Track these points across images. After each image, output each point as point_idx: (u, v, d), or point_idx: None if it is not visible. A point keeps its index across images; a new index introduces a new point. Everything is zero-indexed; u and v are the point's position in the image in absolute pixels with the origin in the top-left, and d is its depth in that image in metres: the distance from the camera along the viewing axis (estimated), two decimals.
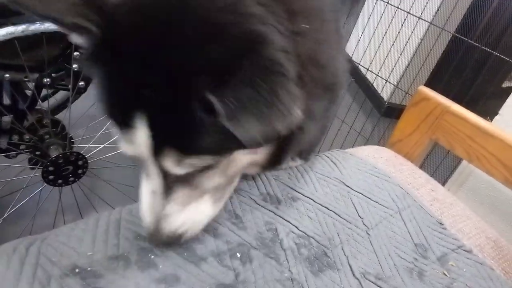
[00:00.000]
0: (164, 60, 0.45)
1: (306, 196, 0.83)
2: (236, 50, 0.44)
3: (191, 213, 0.60)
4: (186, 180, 0.57)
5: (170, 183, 0.57)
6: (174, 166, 0.52)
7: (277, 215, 0.77)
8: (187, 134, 0.48)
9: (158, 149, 0.50)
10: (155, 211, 0.58)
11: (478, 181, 1.39)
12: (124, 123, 0.49)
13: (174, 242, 0.61)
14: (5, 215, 1.25)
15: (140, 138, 0.49)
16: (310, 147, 0.93)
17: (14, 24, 0.95)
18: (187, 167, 0.53)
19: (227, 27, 0.46)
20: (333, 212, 0.82)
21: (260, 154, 0.67)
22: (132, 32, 0.46)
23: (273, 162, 0.72)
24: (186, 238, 0.62)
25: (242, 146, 0.51)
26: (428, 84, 2.26)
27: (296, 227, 0.76)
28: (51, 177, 1.21)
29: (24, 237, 0.62)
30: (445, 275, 0.76)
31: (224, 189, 0.67)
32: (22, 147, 1.24)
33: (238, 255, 0.67)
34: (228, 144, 0.51)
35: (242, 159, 0.62)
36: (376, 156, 1.06)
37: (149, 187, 0.58)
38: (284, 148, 0.69)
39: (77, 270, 0.57)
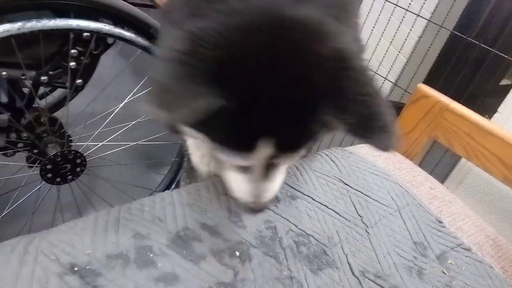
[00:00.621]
0: (292, 94, 0.52)
1: (305, 195, 0.83)
2: (336, 72, 0.52)
3: (276, 184, 0.69)
4: (277, 167, 0.67)
5: (266, 171, 0.65)
6: (287, 161, 0.65)
7: (276, 214, 0.77)
8: (302, 140, 0.58)
9: (274, 155, 0.58)
10: (256, 190, 0.67)
11: (477, 179, 1.39)
12: (249, 147, 0.56)
13: (264, 208, 0.73)
14: (3, 214, 1.24)
15: (261, 152, 0.57)
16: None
17: (10, 21, 0.94)
18: (291, 160, 0.66)
19: (323, 52, 0.52)
20: (332, 210, 0.82)
21: None
22: (256, 82, 0.51)
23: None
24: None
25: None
26: (427, 81, 2.25)
27: (295, 225, 0.76)
28: (49, 175, 1.20)
29: (23, 236, 0.62)
30: (444, 273, 0.76)
31: None
32: (19, 145, 1.23)
33: (237, 253, 0.67)
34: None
35: None
36: (375, 154, 1.06)
37: (248, 177, 0.66)
38: None
39: (76, 269, 0.57)
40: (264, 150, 0.56)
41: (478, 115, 1.02)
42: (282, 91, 0.52)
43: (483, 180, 1.37)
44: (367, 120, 0.51)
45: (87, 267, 0.58)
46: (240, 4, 0.52)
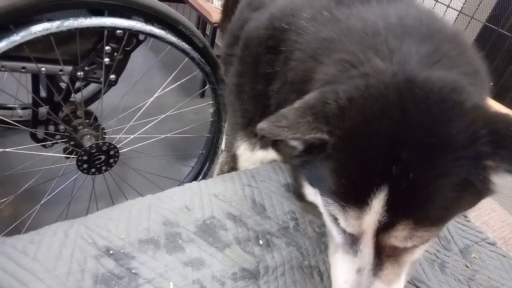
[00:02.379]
0: (412, 139, 0.49)
1: None
2: (471, 121, 0.49)
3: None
4: (395, 256, 0.56)
5: (380, 260, 0.56)
6: (404, 239, 0.52)
7: (299, 206, 0.79)
8: (428, 204, 0.50)
9: (390, 222, 0.50)
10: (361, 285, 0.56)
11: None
12: (361, 200, 0.51)
13: None
14: (42, 202, 1.31)
15: (373, 212, 0.50)
16: None
17: (49, 20, 1.00)
18: (415, 240, 0.52)
19: (464, 102, 0.50)
20: None
21: None
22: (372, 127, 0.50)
23: None
24: None
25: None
26: None
27: (317, 217, 0.78)
28: (84, 166, 1.27)
29: (63, 221, 0.67)
30: (468, 267, 0.76)
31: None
32: (57, 137, 1.30)
33: (261, 242, 0.70)
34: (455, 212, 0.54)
35: None
36: None
37: (355, 265, 0.57)
38: None
39: (111, 252, 0.61)
40: (378, 205, 0.49)
41: (508, 109, 1.00)
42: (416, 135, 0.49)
43: None
44: None
45: (121, 251, 0.62)
46: (371, 69, 0.53)
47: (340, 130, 0.51)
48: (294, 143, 0.58)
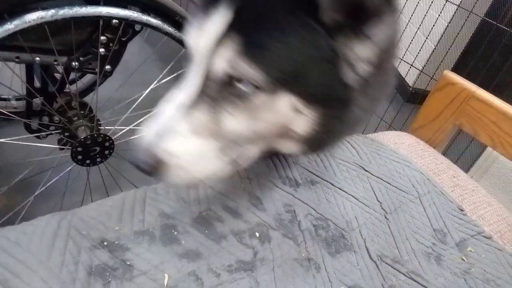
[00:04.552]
0: None
1: (324, 180, 0.85)
2: None
3: (194, 147, 0.55)
4: (215, 107, 0.55)
5: (201, 99, 0.54)
6: (227, 61, 0.51)
7: (296, 198, 0.79)
8: (263, 36, 0.50)
9: (223, 38, 0.50)
10: (165, 124, 0.54)
11: (502, 168, 1.37)
12: (199, 17, 0.51)
13: (153, 168, 0.54)
14: (36, 193, 1.31)
15: (213, 22, 0.50)
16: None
17: (44, 8, 0.99)
18: (236, 71, 0.51)
19: None
20: (352, 196, 0.83)
21: (301, 126, 0.60)
22: None
23: (317, 143, 0.66)
24: (168, 174, 0.55)
25: (297, 90, 0.52)
26: (455, 69, 2.20)
27: (314, 209, 0.77)
28: (79, 157, 1.26)
29: (56, 212, 0.66)
30: (464, 260, 0.76)
31: (238, 149, 0.60)
32: (52, 128, 1.29)
33: (257, 234, 0.70)
34: (287, 75, 0.52)
35: (281, 115, 0.57)
36: (397, 142, 1.05)
37: (177, 99, 0.55)
38: (329, 130, 0.63)
39: (105, 243, 0.61)
40: (220, 14, 0.49)
41: (505, 103, 1.00)
42: None
43: (508, 169, 1.35)
44: None
45: (116, 242, 0.61)
46: None
47: None
48: None
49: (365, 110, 0.65)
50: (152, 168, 0.54)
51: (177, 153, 0.54)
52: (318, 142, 0.66)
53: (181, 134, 0.54)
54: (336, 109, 0.59)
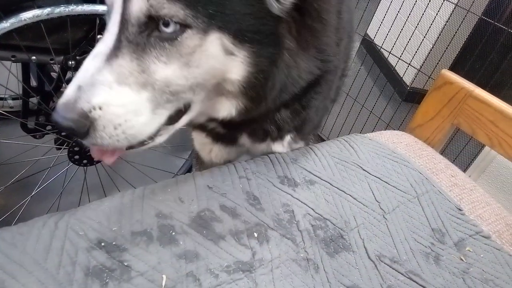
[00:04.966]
0: None
1: (323, 180, 0.84)
2: None
3: (122, 98, 0.51)
4: (141, 54, 0.51)
5: (121, 45, 0.50)
6: (144, 0, 0.48)
7: (294, 198, 0.78)
8: None
9: None
10: (84, 75, 0.50)
11: (500, 168, 1.37)
12: None
13: (78, 124, 0.49)
14: (33, 193, 1.30)
15: None
16: (311, 126, 0.94)
17: (40, 7, 0.98)
18: (156, 10, 0.48)
19: None
20: (350, 196, 0.83)
21: (235, 70, 0.58)
22: None
23: (257, 95, 0.64)
24: (93, 132, 0.50)
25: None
26: (453, 68, 2.21)
27: (312, 209, 0.77)
28: (76, 157, 1.25)
29: (53, 213, 0.66)
30: (462, 260, 0.76)
31: (173, 103, 0.57)
32: (48, 127, 1.28)
33: (256, 234, 0.69)
34: (212, 7, 0.50)
35: (213, 58, 0.55)
36: (395, 141, 1.05)
37: (96, 50, 0.51)
38: (265, 76, 0.61)
39: (102, 244, 0.60)
40: None
41: (502, 102, 1.00)
42: None
43: (506, 169, 1.35)
44: None
45: (113, 243, 0.61)
46: None
47: None
48: None
49: (297, 56, 0.62)
50: (77, 124, 0.48)
51: (103, 105, 0.49)
52: (258, 94, 0.63)
53: (105, 84, 0.49)
54: (267, 48, 0.57)
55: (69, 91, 0.49)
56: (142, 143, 0.58)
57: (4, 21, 0.94)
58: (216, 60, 0.55)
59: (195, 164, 1.31)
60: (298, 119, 0.83)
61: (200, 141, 0.92)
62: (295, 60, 0.63)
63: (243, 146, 0.90)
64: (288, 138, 0.89)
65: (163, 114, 0.57)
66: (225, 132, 0.84)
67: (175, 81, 0.54)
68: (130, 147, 0.58)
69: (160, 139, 0.61)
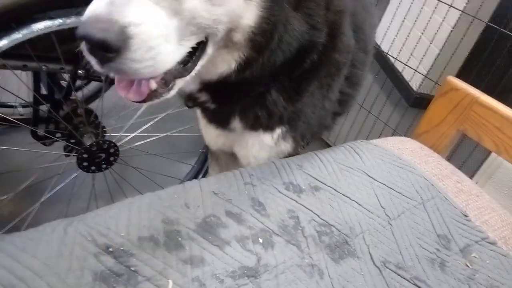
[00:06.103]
0: None
1: (328, 186, 0.85)
2: None
3: (155, 19, 0.50)
4: None
5: None
6: None
7: (299, 204, 0.79)
8: None
9: None
10: None
11: (507, 174, 1.36)
12: None
13: (110, 39, 0.46)
14: (42, 199, 1.32)
15: None
16: (305, 127, 0.95)
17: (51, 18, 1.00)
18: None
19: None
20: (355, 202, 0.83)
21: (249, 16, 0.65)
22: None
23: (262, 46, 0.69)
24: (124, 53, 0.48)
25: None
26: (459, 74, 2.20)
27: (317, 215, 0.78)
28: (85, 164, 1.27)
29: (62, 219, 0.67)
30: (468, 266, 0.76)
31: (195, 35, 0.60)
32: (58, 135, 1.30)
33: (261, 240, 0.70)
34: None
35: (232, 2, 0.61)
36: (401, 147, 1.06)
37: None
38: (273, 27, 0.67)
39: (110, 249, 0.61)
40: None
41: (509, 108, 1.00)
42: None
43: None
44: None
45: (121, 248, 0.62)
46: None
47: None
48: None
49: (290, 12, 0.69)
50: (112, 37, 0.46)
51: (141, 22, 0.47)
52: (262, 42, 0.68)
53: (141, 2, 0.48)
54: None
55: (100, 4, 0.47)
56: (166, 82, 0.62)
57: (16, 32, 0.96)
58: (236, 3, 0.61)
59: (214, 166, 1.33)
60: (291, 106, 0.84)
61: (202, 123, 1.00)
62: (290, 16, 0.69)
63: (235, 131, 0.91)
64: (278, 131, 0.89)
65: (186, 46, 0.59)
66: (216, 107, 0.85)
67: (200, 13, 0.57)
68: (150, 96, 0.61)
69: (172, 92, 0.65)
